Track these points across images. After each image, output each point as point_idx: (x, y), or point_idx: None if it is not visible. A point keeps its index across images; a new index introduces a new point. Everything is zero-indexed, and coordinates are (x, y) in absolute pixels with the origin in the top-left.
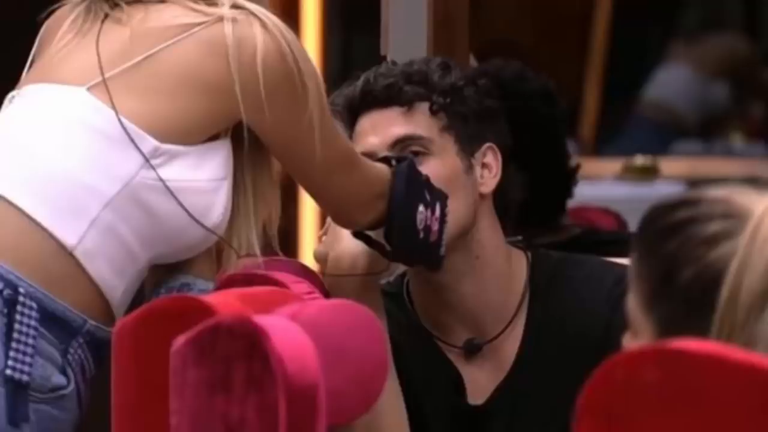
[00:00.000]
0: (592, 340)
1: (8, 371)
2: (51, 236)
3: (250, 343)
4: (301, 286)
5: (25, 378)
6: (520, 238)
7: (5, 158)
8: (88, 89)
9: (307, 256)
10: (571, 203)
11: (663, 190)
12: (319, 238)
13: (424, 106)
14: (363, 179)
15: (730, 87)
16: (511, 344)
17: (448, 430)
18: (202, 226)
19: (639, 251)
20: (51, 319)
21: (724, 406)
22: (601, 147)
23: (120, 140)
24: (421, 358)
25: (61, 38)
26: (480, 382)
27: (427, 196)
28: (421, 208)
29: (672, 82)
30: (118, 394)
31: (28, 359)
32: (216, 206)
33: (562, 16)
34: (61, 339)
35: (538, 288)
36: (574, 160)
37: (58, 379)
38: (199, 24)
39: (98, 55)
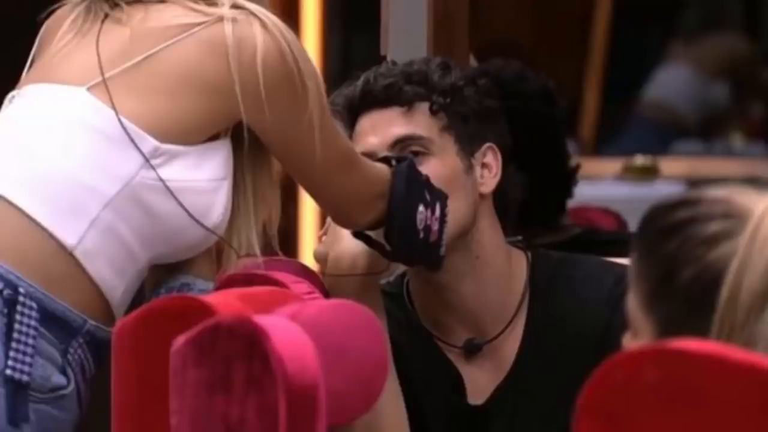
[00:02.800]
0: (592, 340)
1: (8, 371)
2: (51, 236)
3: (250, 343)
4: (301, 286)
5: (25, 378)
6: (520, 238)
7: (5, 158)
8: (88, 89)
9: (307, 256)
10: (571, 203)
11: (663, 190)
12: (319, 238)
13: (424, 106)
14: (363, 179)
15: (730, 87)
16: (511, 344)
17: (448, 430)
18: (202, 226)
19: (639, 251)
20: (51, 319)
21: (724, 406)
22: (601, 147)
23: (120, 140)
24: (421, 358)
25: (61, 38)
26: (480, 382)
27: (427, 196)
28: (421, 208)
29: (672, 82)
30: (118, 394)
31: (28, 359)
32: (216, 206)
33: (561, 16)
34: (61, 339)
35: (538, 288)
36: (574, 160)
37: (58, 379)
38: (199, 24)
39: (98, 55)
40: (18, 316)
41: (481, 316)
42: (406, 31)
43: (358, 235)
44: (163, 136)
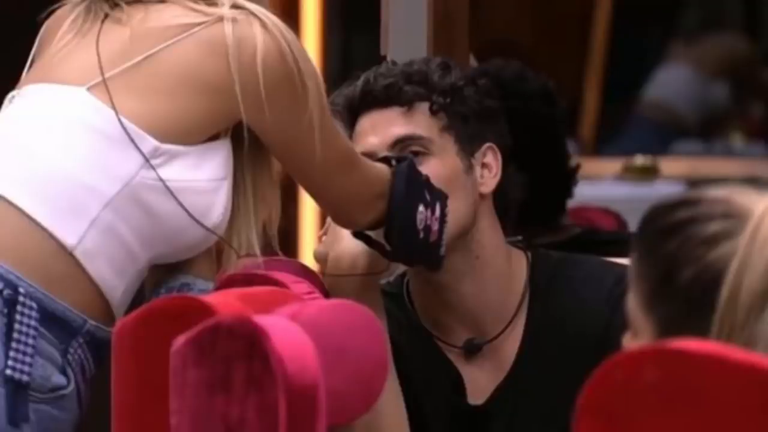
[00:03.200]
0: (592, 340)
1: (8, 371)
2: (51, 236)
3: (250, 343)
4: (301, 286)
5: (25, 378)
6: (520, 238)
7: (5, 158)
8: (88, 89)
9: (307, 256)
10: (571, 203)
11: (663, 190)
12: (319, 238)
13: (424, 106)
14: (363, 179)
15: (730, 87)
16: (511, 344)
17: (448, 430)
18: (202, 226)
19: (639, 251)
20: (51, 319)
21: (724, 406)
22: (601, 147)
23: (120, 140)
24: (421, 358)
25: (61, 38)
26: (480, 382)
27: (427, 196)
28: (421, 208)
29: (672, 82)
30: (118, 394)
31: (28, 359)
32: (216, 206)
33: (561, 16)
34: (61, 339)
35: (538, 288)
36: (574, 160)
37: (58, 379)
38: (199, 24)
39: (98, 55)
40: (18, 316)
41: (481, 316)
42: (406, 31)
43: (358, 235)
44: (163, 136)
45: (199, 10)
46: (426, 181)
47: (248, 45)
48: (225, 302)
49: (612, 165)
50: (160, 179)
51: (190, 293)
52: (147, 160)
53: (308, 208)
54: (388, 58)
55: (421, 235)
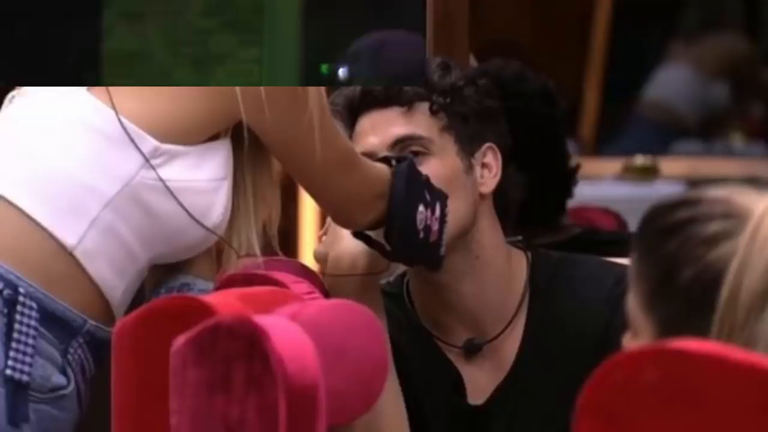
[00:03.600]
0: (592, 340)
1: (8, 371)
2: (51, 236)
3: (250, 343)
4: (301, 286)
5: (25, 378)
6: (520, 238)
7: (5, 158)
8: (88, 89)
9: (307, 256)
10: (571, 203)
11: (663, 190)
12: (319, 238)
13: (424, 106)
14: (363, 179)
15: (730, 87)
16: (511, 344)
17: (448, 430)
18: (202, 226)
19: (639, 251)
20: (51, 319)
21: (724, 406)
22: (601, 147)
23: (120, 140)
24: (421, 358)
25: None
26: (480, 382)
27: (427, 196)
28: (421, 208)
29: (672, 82)
30: (118, 394)
31: (28, 359)
32: (216, 206)
33: (561, 16)
34: (61, 339)
35: (538, 288)
36: (574, 160)
37: (58, 379)
38: None
39: None
40: (18, 316)
41: (481, 316)
42: None
43: (358, 235)
44: (163, 136)
45: None
46: (426, 181)
47: None
48: (225, 302)
49: (612, 165)
50: (160, 179)
51: (190, 293)
52: (147, 160)
53: (308, 208)
54: None
55: (421, 235)
